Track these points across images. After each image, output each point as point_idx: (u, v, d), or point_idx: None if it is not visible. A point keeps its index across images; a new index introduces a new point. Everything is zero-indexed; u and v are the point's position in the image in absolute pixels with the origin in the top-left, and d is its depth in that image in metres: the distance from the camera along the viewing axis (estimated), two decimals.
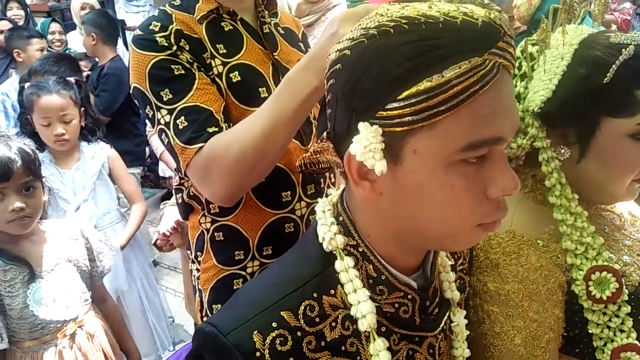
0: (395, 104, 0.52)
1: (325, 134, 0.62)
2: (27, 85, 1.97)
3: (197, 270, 1.15)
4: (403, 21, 0.52)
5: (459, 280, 0.76)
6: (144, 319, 2.04)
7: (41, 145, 1.95)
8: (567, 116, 0.80)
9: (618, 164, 0.80)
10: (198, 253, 1.14)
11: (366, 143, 0.53)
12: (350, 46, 0.55)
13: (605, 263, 0.80)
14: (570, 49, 0.80)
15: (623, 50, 0.76)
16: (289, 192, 1.08)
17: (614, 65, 0.76)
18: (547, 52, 0.82)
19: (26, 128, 1.98)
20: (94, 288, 1.55)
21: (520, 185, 0.57)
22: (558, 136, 0.83)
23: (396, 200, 0.57)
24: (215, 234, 1.10)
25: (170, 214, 1.52)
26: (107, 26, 3.08)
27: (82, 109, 2.01)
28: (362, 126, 0.54)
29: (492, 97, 0.52)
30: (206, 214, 1.09)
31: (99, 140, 2.11)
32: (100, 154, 2.07)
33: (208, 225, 1.10)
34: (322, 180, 1.15)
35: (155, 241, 1.48)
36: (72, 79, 2.02)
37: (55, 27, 3.85)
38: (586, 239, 0.81)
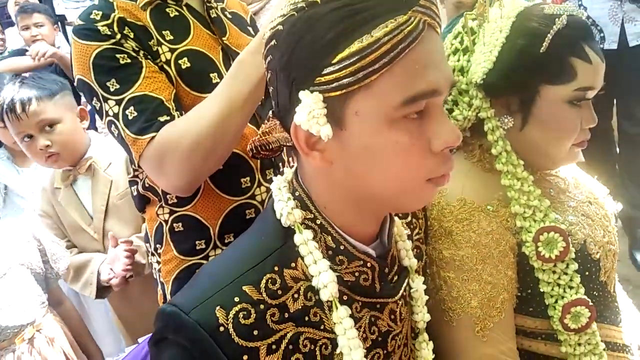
0: (331, 68, 0.54)
1: (270, 112, 0.63)
2: None
3: (158, 262, 1.13)
4: None
5: (415, 249, 0.78)
6: (106, 318, 1.98)
7: None
8: (509, 86, 0.84)
9: (558, 129, 0.84)
10: (157, 245, 1.12)
11: (309, 110, 0.55)
12: (282, 21, 0.57)
13: (552, 224, 0.84)
14: (508, 22, 0.83)
15: (557, 20, 0.80)
16: (247, 178, 1.08)
17: (549, 35, 0.80)
18: (486, 25, 0.86)
19: None
20: (50, 291, 1.51)
21: (461, 137, 0.60)
22: (501, 106, 0.86)
23: (346, 165, 0.59)
24: (174, 224, 1.08)
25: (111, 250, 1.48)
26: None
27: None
28: (303, 94, 0.56)
29: (422, 52, 0.55)
30: (163, 205, 1.08)
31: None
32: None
33: (166, 216, 1.08)
34: (280, 164, 1.15)
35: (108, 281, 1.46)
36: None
37: None
38: (533, 202, 0.85)
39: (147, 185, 1.08)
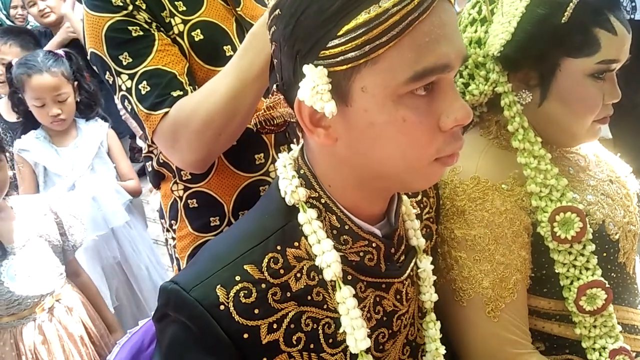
0: (336, 41, 0.52)
1: (274, 86, 0.61)
2: (14, 62, 1.87)
3: (173, 239, 1.15)
4: None
5: (425, 229, 0.77)
6: (155, 275, 2.06)
7: (35, 123, 1.88)
8: (528, 58, 0.80)
9: (579, 104, 0.81)
10: (172, 221, 1.13)
11: (312, 85, 0.53)
12: None
13: (569, 204, 0.81)
14: None
15: None
16: (262, 154, 1.07)
17: (571, 4, 0.76)
18: None
19: (19, 108, 1.90)
20: (67, 262, 1.56)
21: (472, 115, 0.57)
22: (519, 80, 0.83)
23: (352, 143, 0.57)
24: (189, 201, 1.09)
25: None
26: None
27: (76, 83, 1.92)
28: (307, 68, 0.54)
29: (433, 25, 0.52)
30: (178, 181, 1.08)
31: (97, 117, 2.02)
32: (98, 131, 1.99)
33: (181, 192, 1.09)
34: (295, 140, 1.14)
35: None
36: (61, 52, 1.93)
37: (17, 1, 3.69)
38: (550, 181, 0.82)
39: (161, 161, 1.09)
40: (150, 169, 1.14)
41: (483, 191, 0.82)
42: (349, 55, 0.52)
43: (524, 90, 0.83)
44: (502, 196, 0.82)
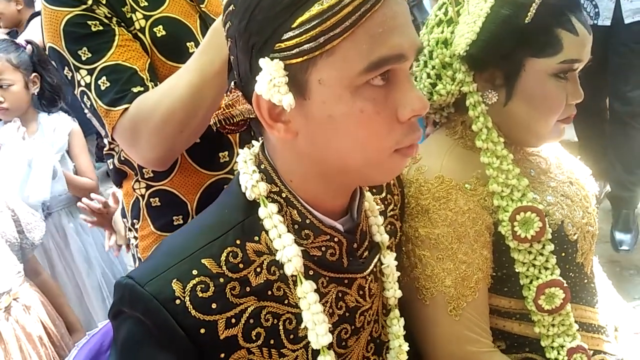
0: (290, 33, 0.52)
1: (232, 83, 0.61)
2: None
3: (135, 238, 1.12)
4: None
5: (389, 226, 0.77)
6: (108, 281, 1.99)
7: None
8: (493, 58, 0.81)
9: (543, 104, 0.83)
10: (134, 220, 1.10)
11: (269, 78, 0.53)
12: None
13: (530, 204, 0.83)
14: None
15: None
16: (226, 152, 1.06)
17: (534, 5, 0.77)
18: None
19: None
20: (26, 261, 1.51)
21: (428, 105, 0.58)
22: (485, 80, 0.84)
23: (311, 136, 0.57)
24: (151, 199, 1.06)
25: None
26: None
27: (34, 74, 1.86)
28: (263, 62, 0.54)
29: (386, 16, 0.53)
30: (140, 179, 1.06)
31: (60, 111, 1.96)
32: (62, 127, 1.92)
33: (143, 191, 1.07)
34: (260, 138, 1.13)
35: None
36: (22, 41, 1.87)
37: None
38: (511, 181, 0.83)
39: (122, 158, 1.06)
40: (111, 166, 1.11)
41: (447, 190, 0.83)
42: (304, 47, 0.52)
43: (490, 90, 0.84)
44: (465, 196, 0.83)
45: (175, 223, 1.06)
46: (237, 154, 1.06)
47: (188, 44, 1.00)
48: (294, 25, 0.52)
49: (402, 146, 0.57)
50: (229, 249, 0.59)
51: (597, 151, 2.71)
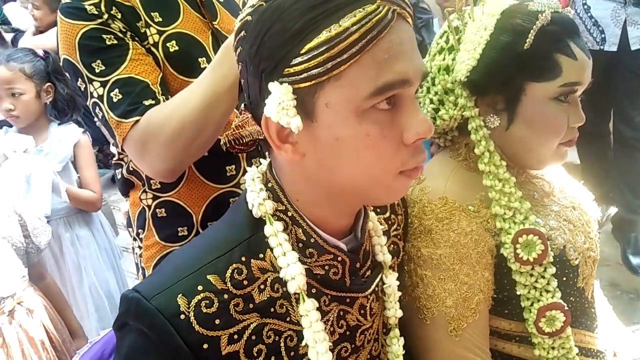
0: (299, 59, 0.54)
1: (242, 105, 0.62)
2: None
3: (139, 247, 1.13)
4: None
5: (392, 245, 0.78)
6: (97, 295, 1.98)
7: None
8: (493, 83, 0.83)
9: (544, 127, 0.84)
10: (140, 230, 1.11)
11: (278, 101, 0.55)
12: (251, 12, 0.57)
13: (532, 226, 0.83)
14: (492, 19, 0.82)
15: (540, 16, 0.79)
16: (233, 166, 1.07)
17: (532, 31, 0.79)
18: (471, 24, 0.85)
19: None
20: (31, 265, 1.52)
21: (433, 129, 0.59)
22: (487, 105, 0.85)
23: (318, 158, 0.58)
24: (157, 210, 1.08)
25: None
26: None
27: (47, 84, 1.88)
28: (272, 86, 0.55)
29: (392, 42, 0.54)
30: (147, 190, 1.07)
31: (71, 121, 1.98)
32: (69, 138, 1.93)
33: (149, 201, 1.08)
34: (267, 153, 1.14)
35: None
36: (40, 51, 1.90)
37: None
38: (514, 204, 0.84)
39: (131, 169, 1.08)
40: (119, 176, 1.12)
41: (450, 212, 0.84)
42: (312, 72, 0.54)
43: (492, 115, 0.85)
44: (468, 217, 0.84)
45: (180, 234, 1.08)
46: (244, 168, 1.09)
47: (200, 59, 1.01)
48: (302, 51, 0.54)
49: (407, 168, 0.59)
50: (234, 265, 0.60)
51: (600, 174, 2.72)
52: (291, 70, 0.54)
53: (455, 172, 0.90)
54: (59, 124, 1.96)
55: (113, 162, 1.13)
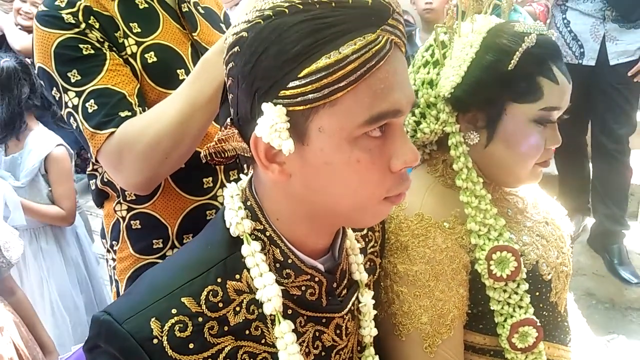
0: (296, 82, 0.53)
1: (228, 120, 0.62)
2: None
3: (113, 259, 1.11)
4: (297, 2, 0.53)
5: (369, 263, 0.78)
6: (59, 313, 1.92)
7: None
8: (476, 101, 0.84)
9: (522, 148, 0.85)
10: (113, 242, 1.10)
11: (271, 123, 0.54)
12: (247, 28, 0.55)
13: (506, 243, 0.84)
14: (478, 37, 0.83)
15: (526, 38, 0.80)
16: (210, 178, 1.07)
17: (517, 53, 0.80)
18: (457, 40, 0.85)
19: None
20: (1, 280, 1.47)
21: (419, 158, 0.60)
22: (468, 121, 0.86)
23: (306, 179, 0.58)
24: (132, 222, 1.06)
25: None
26: None
27: None
28: (266, 107, 0.54)
29: (388, 72, 0.55)
30: (122, 201, 1.06)
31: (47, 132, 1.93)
32: (38, 150, 1.88)
33: (124, 213, 1.06)
34: (245, 165, 1.13)
35: None
36: (4, 59, 1.86)
37: None
38: (489, 221, 0.85)
39: (105, 180, 1.06)
40: (93, 187, 1.10)
41: (426, 228, 0.84)
42: (308, 96, 0.53)
43: (471, 132, 0.86)
44: (443, 234, 0.85)
45: (155, 246, 1.06)
46: (221, 180, 1.08)
47: (178, 71, 1.01)
48: (300, 75, 0.53)
49: (391, 194, 0.59)
50: (209, 287, 0.59)
51: (578, 185, 2.78)
52: (287, 92, 0.54)
53: (431, 189, 0.90)
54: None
55: (87, 172, 1.11)
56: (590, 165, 2.75)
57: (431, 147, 0.94)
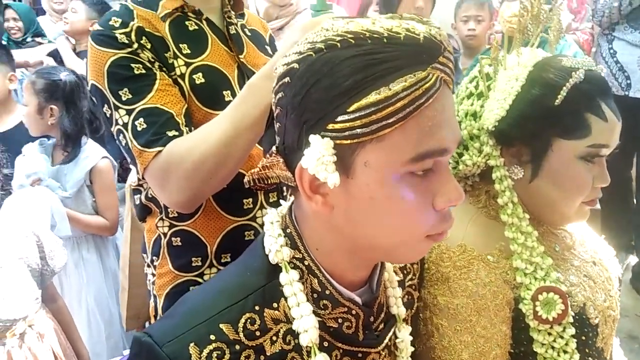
0: (345, 117, 0.53)
1: (274, 148, 0.62)
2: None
3: (153, 275, 1.13)
4: (349, 36, 0.53)
5: (407, 296, 0.76)
6: (95, 322, 1.97)
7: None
8: (521, 136, 0.82)
9: (569, 185, 0.82)
10: (154, 257, 1.12)
11: (318, 156, 0.54)
12: (298, 59, 0.56)
13: (553, 284, 0.81)
14: (524, 71, 0.82)
15: (574, 73, 0.78)
16: (250, 199, 1.07)
17: (564, 88, 0.78)
18: (502, 72, 0.84)
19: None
20: (44, 287, 1.52)
21: (464, 196, 0.59)
22: (512, 155, 0.84)
23: (348, 212, 0.58)
24: (173, 238, 1.08)
25: None
26: (97, 2, 2.92)
27: (51, 105, 1.92)
28: (314, 139, 0.54)
29: (436, 110, 0.54)
30: (164, 217, 1.07)
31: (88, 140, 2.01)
32: (84, 163, 1.95)
33: (165, 229, 1.08)
34: (284, 188, 1.14)
35: None
36: (65, 73, 1.96)
37: (8, 13, 3.59)
38: (535, 259, 0.82)
39: (150, 195, 1.08)
40: (137, 202, 1.13)
41: (468, 260, 0.82)
42: (356, 131, 0.53)
43: (516, 166, 0.84)
44: (487, 267, 0.82)
45: (193, 264, 1.07)
46: (261, 202, 1.09)
47: (224, 92, 1.02)
48: (349, 110, 0.53)
49: (433, 232, 0.58)
50: (247, 314, 0.59)
51: (622, 221, 2.67)
52: (335, 126, 0.54)
53: (474, 220, 0.88)
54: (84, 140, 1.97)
55: (132, 187, 1.14)
56: (635, 200, 2.64)
57: (473, 179, 0.92)
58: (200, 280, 1.08)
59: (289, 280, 0.61)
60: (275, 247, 0.62)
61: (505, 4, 2.18)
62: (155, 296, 1.12)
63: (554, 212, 0.85)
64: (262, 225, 1.06)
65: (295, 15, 2.17)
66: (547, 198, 0.84)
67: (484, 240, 0.85)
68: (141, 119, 0.93)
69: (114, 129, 0.97)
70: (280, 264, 0.62)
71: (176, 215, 1.06)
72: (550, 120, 0.80)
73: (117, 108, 0.94)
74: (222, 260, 1.08)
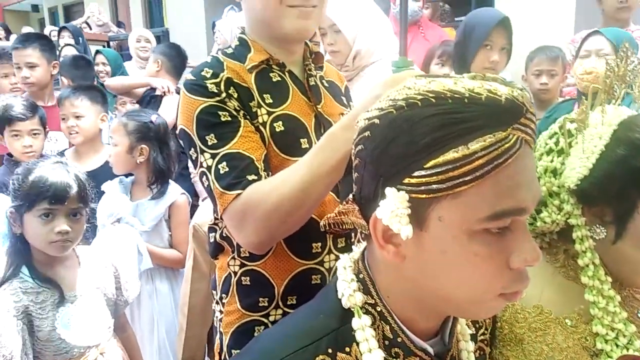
0: (421, 172, 0.54)
1: (350, 196, 0.64)
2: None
3: (220, 312, 1.16)
4: (430, 95, 0.55)
5: (478, 351, 0.74)
6: (165, 354, 2.00)
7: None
8: (604, 196, 0.79)
9: None
10: (223, 295, 1.15)
11: (393, 208, 0.55)
12: (379, 115, 0.58)
13: (637, 353, 0.76)
14: (609, 129, 0.80)
15: None
16: (319, 244, 1.09)
17: None
18: (585, 131, 0.83)
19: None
20: (117, 317, 1.58)
21: (541, 257, 0.57)
22: (594, 215, 0.81)
23: (419, 264, 0.58)
24: (243, 277, 1.11)
25: None
26: (175, 57, 3.16)
27: (142, 146, 2.01)
28: (390, 191, 0.56)
29: (515, 170, 0.54)
30: (236, 256, 1.11)
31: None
32: (164, 199, 2.04)
33: (236, 268, 1.12)
34: (352, 234, 1.15)
35: None
36: (155, 115, 2.10)
37: (99, 58, 3.93)
38: (617, 325, 0.78)
39: (224, 234, 1.12)
40: (212, 240, 1.17)
41: (545, 323, 0.79)
42: (432, 186, 0.54)
43: (598, 226, 0.81)
44: (565, 332, 0.79)
45: (260, 304, 1.09)
46: (329, 246, 1.10)
47: (302, 140, 1.07)
48: (426, 166, 0.54)
49: (507, 291, 0.57)
50: (321, 356, 0.60)
51: None
52: (411, 180, 0.55)
53: (552, 280, 0.85)
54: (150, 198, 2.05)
55: (208, 225, 1.19)
56: None
57: (551, 237, 0.90)
58: (265, 320, 1.09)
59: (361, 326, 0.61)
60: (349, 292, 0.63)
61: (578, 61, 2.13)
62: (221, 333, 1.14)
63: (638, 276, 0.81)
64: (328, 270, 1.09)
65: (364, 67, 2.22)
66: (631, 262, 0.80)
67: (561, 303, 0.82)
68: (224, 163, 0.98)
69: (197, 170, 1.03)
70: (352, 309, 0.62)
71: (247, 255, 1.09)
72: (637, 181, 0.77)
73: (202, 152, 1.01)
74: (288, 302, 1.09)
